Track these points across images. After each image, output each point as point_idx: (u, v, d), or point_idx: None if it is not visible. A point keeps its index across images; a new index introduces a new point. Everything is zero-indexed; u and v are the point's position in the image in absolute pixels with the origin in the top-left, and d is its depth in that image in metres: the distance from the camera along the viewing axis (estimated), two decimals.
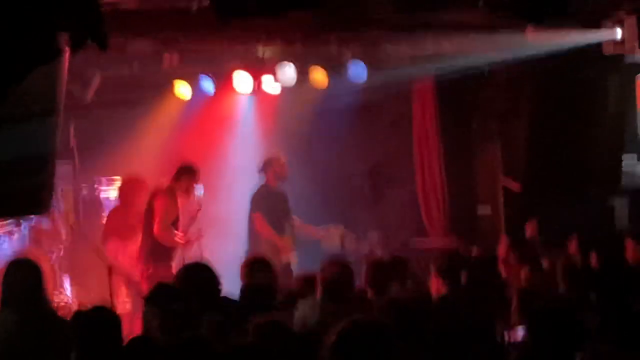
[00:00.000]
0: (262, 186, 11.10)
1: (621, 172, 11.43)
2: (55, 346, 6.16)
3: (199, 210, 10.59)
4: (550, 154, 11.59)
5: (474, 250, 9.56)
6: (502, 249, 9.14)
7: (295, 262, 10.74)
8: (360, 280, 7.71)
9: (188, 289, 6.77)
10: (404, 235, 12.48)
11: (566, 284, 7.61)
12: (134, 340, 5.57)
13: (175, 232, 10.27)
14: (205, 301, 6.66)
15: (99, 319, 5.61)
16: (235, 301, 7.03)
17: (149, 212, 10.25)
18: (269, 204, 10.93)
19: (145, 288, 9.81)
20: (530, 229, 10.03)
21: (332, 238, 11.83)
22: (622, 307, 6.21)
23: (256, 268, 7.49)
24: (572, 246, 8.91)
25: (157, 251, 10.12)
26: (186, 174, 10.33)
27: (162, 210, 10.12)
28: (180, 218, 10.34)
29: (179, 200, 10.29)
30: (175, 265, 10.07)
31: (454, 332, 5.49)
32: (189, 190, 10.33)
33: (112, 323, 5.60)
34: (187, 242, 10.32)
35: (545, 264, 8.45)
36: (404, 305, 5.90)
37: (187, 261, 9.92)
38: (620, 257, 8.46)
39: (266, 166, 11.11)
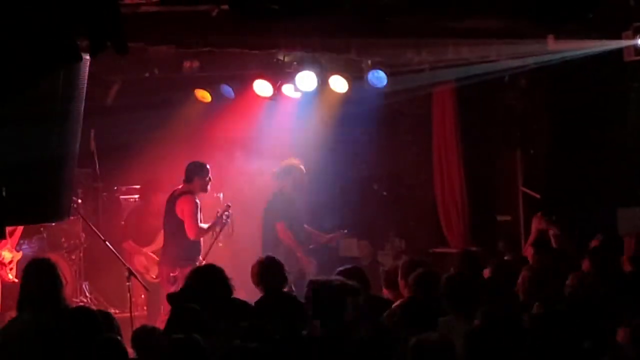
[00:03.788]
0: (280, 194, 10.95)
1: None
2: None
3: (228, 206, 10.56)
4: (571, 160, 11.55)
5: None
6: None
7: (313, 271, 10.58)
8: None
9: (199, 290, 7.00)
10: (423, 241, 12.45)
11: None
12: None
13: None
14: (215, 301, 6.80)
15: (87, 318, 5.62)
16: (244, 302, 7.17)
17: (173, 217, 10.21)
18: (288, 212, 10.86)
19: (169, 290, 9.82)
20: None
21: (347, 245, 11.78)
22: None
23: (267, 269, 7.58)
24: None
25: (184, 255, 10.10)
26: (197, 173, 10.28)
27: (190, 214, 10.09)
28: (201, 217, 10.34)
29: (199, 200, 10.27)
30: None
31: None
32: (204, 188, 10.31)
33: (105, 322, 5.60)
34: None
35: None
36: None
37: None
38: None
39: (286, 173, 11.00)
